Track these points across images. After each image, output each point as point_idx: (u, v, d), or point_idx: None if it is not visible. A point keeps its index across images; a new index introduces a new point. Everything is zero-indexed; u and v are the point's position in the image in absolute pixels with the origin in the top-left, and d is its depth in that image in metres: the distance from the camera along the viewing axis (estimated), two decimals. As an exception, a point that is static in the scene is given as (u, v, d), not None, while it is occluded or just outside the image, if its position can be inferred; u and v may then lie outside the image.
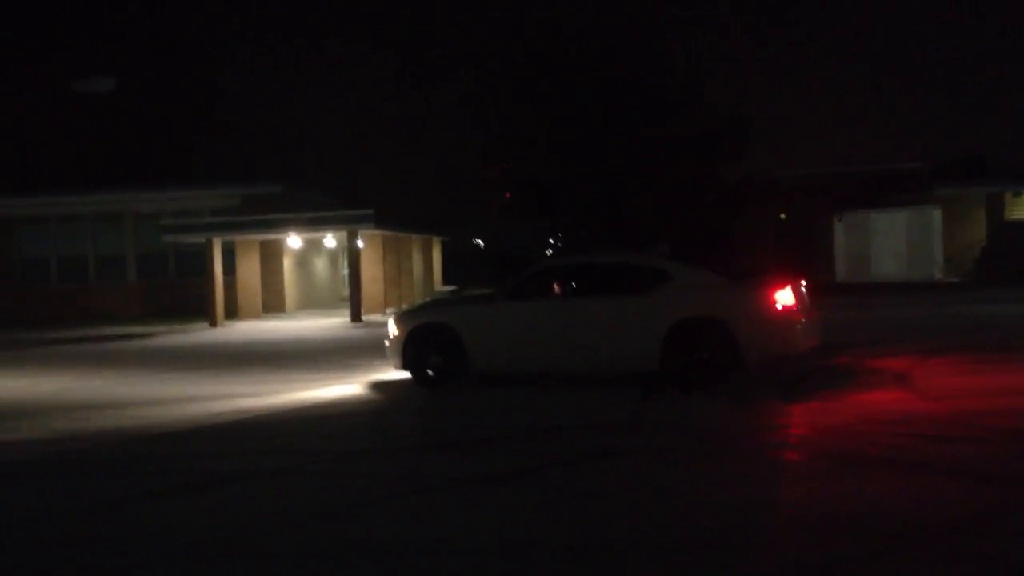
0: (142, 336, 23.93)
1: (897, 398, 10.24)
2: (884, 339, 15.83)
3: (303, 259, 33.03)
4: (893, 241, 35.51)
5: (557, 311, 11.97)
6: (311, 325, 25.55)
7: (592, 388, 11.67)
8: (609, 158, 27.65)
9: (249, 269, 29.62)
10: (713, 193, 28.45)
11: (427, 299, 27.80)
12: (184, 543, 6.11)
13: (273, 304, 30.52)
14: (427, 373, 12.27)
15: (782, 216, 35.84)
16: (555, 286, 12.23)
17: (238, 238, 28.51)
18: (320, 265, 35.48)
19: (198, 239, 27.77)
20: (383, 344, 13.11)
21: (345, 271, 34.70)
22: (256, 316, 29.18)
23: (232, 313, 28.82)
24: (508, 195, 39.33)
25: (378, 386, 12.99)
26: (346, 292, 32.83)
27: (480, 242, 49.62)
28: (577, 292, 12.06)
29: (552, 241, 46.99)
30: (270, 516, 6.65)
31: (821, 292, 23.26)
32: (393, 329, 12.63)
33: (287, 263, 31.23)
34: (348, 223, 26.85)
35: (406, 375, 12.60)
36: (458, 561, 5.56)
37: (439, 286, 40.50)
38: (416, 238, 35.50)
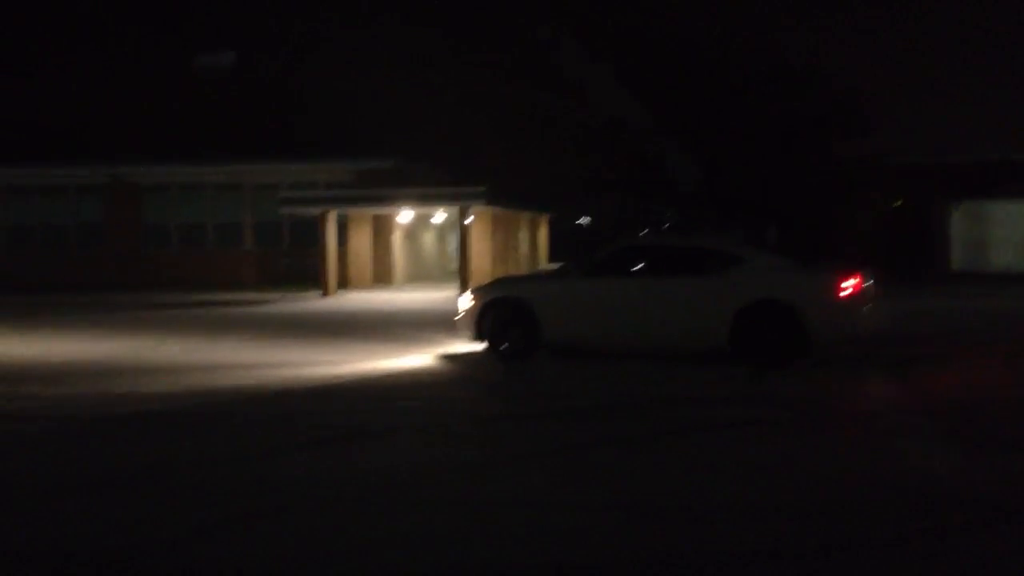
0: (260, 303, 24.92)
1: (998, 384, 10.33)
2: (985, 330, 15.74)
3: (412, 233, 33.77)
4: (1012, 231, 34.54)
5: (633, 289, 12.44)
6: (421, 297, 26.20)
7: (666, 364, 12.03)
8: (724, 137, 27.59)
9: (361, 241, 30.47)
10: (825, 175, 28.11)
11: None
12: (329, 491, 6.62)
13: (383, 276, 31.34)
14: (502, 346, 12.76)
15: (898, 203, 35.15)
16: (631, 265, 12.70)
17: (352, 211, 29.36)
18: (429, 239, 36.21)
19: (314, 211, 28.70)
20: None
21: (453, 245, 35.34)
22: (366, 287, 30.03)
23: (343, 283, 29.72)
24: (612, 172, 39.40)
25: (457, 358, 13.39)
26: (453, 266, 33.48)
27: (584, 221, 49.83)
28: (653, 272, 12.49)
29: (650, 222, 46.82)
30: (398, 470, 7.14)
31: (931, 281, 22.93)
32: (468, 302, 13.17)
33: (397, 236, 31.99)
34: (460, 200, 27.40)
35: (477, 347, 13.13)
36: (574, 516, 5.94)
37: (545, 263, 40.90)
38: (524, 215, 35.95)
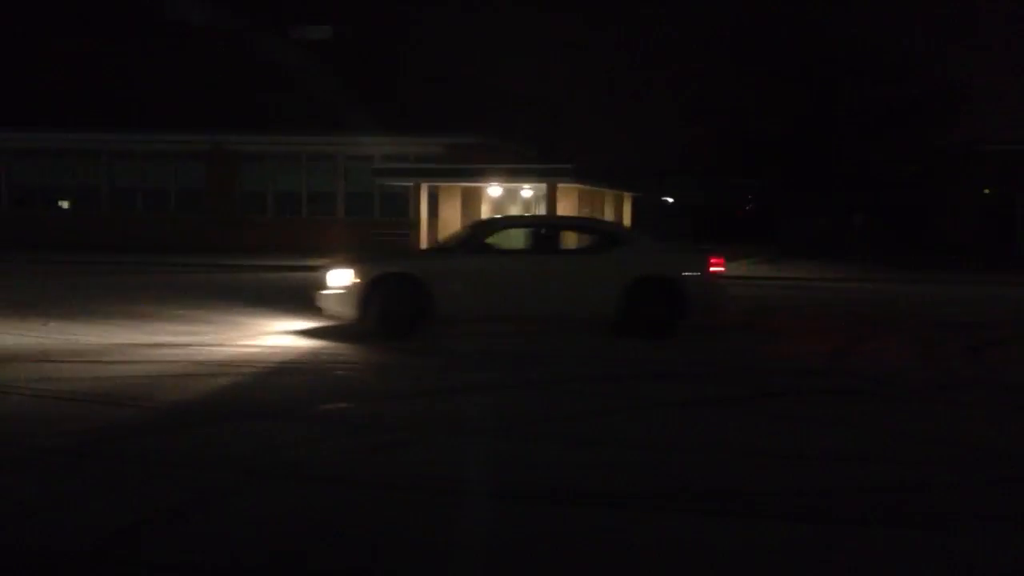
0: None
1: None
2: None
3: (500, 207, 34.43)
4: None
5: (525, 264, 13.14)
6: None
7: (560, 336, 12.97)
8: (817, 122, 27.69)
9: (450, 213, 31.27)
10: (917, 162, 28.01)
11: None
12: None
13: (470, 248, 32.08)
14: (394, 322, 12.47)
15: (986, 191, 34.77)
16: (519, 241, 13.57)
17: (443, 184, 30.15)
18: (514, 213, 36.83)
19: (406, 183, 29.55)
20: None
21: (539, 221, 35.94)
22: (454, 258, 30.78)
23: (432, 254, 30.57)
24: (705, 149, 39.53)
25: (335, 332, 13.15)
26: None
27: (670, 199, 49.95)
28: (547, 249, 13.32)
29: (748, 198, 46.87)
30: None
31: (1007, 267, 22.75)
32: (347, 278, 12.56)
33: (484, 209, 32.69)
34: (547, 176, 28.02)
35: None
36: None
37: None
38: (609, 192, 36.39)
